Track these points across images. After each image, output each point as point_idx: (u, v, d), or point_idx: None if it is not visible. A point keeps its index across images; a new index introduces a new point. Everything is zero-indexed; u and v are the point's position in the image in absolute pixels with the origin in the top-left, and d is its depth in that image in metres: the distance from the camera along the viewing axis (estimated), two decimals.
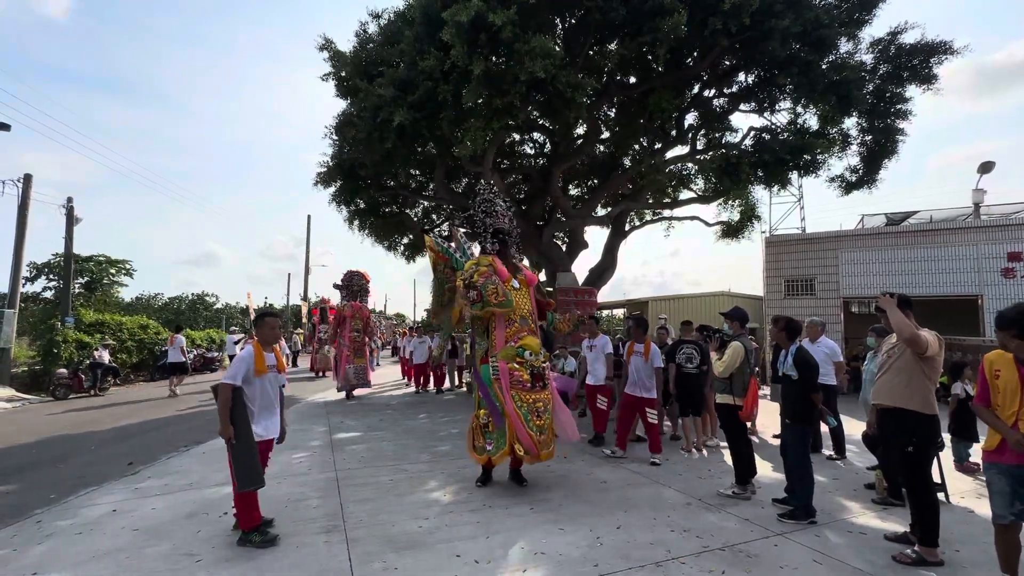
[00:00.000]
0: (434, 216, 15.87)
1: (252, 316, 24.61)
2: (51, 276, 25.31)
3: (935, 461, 3.85)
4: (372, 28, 10.86)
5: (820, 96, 9.32)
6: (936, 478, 3.93)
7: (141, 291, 40.44)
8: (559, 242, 14.32)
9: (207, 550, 3.44)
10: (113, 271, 27.68)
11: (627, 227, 14.52)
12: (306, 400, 11.05)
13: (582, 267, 14.02)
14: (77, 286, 24.24)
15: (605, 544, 3.50)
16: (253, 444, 3.50)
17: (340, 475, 5.21)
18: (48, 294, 25.18)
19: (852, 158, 11.28)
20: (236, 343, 16.12)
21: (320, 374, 15.91)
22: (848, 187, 11.44)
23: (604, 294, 16.31)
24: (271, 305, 40.13)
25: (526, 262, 5.56)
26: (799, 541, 3.57)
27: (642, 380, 5.76)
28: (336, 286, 13.06)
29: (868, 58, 10.05)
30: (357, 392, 11.41)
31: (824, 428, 5.53)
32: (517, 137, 13.59)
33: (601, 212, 14.10)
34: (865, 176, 11.21)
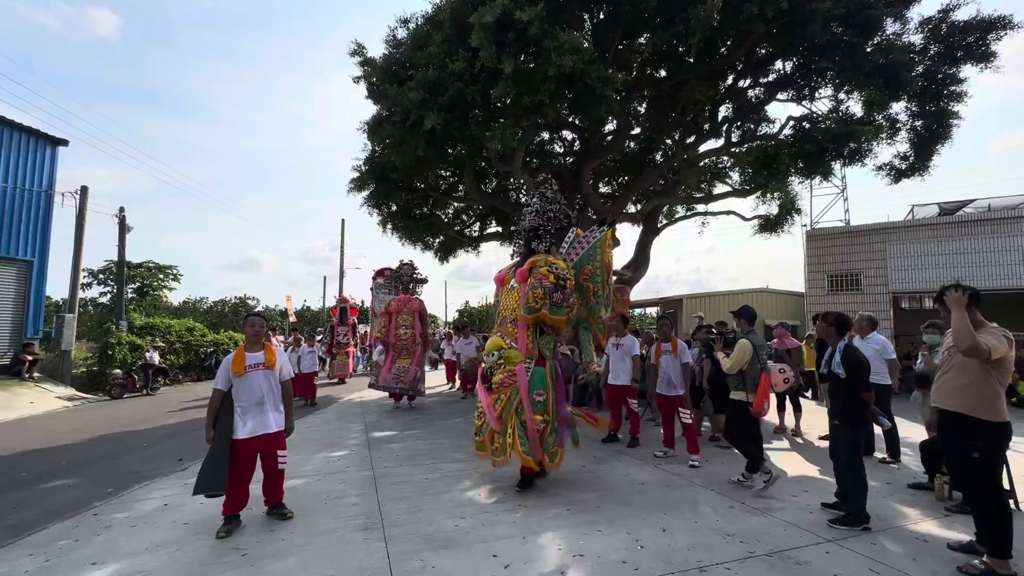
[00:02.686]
0: (464, 216, 15.96)
1: (291, 319, 25.35)
2: (105, 282, 26.82)
3: (1004, 466, 3.58)
4: (401, 33, 10.99)
5: (865, 80, 8.85)
6: (1005, 484, 3.65)
7: (187, 295, 42.32)
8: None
9: (252, 544, 3.54)
10: (162, 276, 29.10)
11: (659, 224, 14.21)
12: (343, 400, 11.29)
13: (614, 265, 13.82)
14: (129, 291, 25.59)
15: (645, 547, 3.40)
16: (224, 454, 3.72)
17: (377, 473, 5.28)
18: (103, 299, 26.69)
19: (901, 144, 10.65)
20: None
21: (340, 380, 14.80)
22: (897, 175, 10.82)
23: (637, 292, 16.02)
24: (308, 308, 41.31)
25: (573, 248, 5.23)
26: (853, 549, 3.38)
27: (675, 378, 5.77)
28: (378, 273, 12.87)
29: (917, 38, 9.49)
30: (408, 399, 10.03)
31: (878, 430, 5.25)
32: (546, 136, 13.50)
33: (632, 209, 13.85)
34: (916, 163, 10.58)
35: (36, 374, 12.94)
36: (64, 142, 14.91)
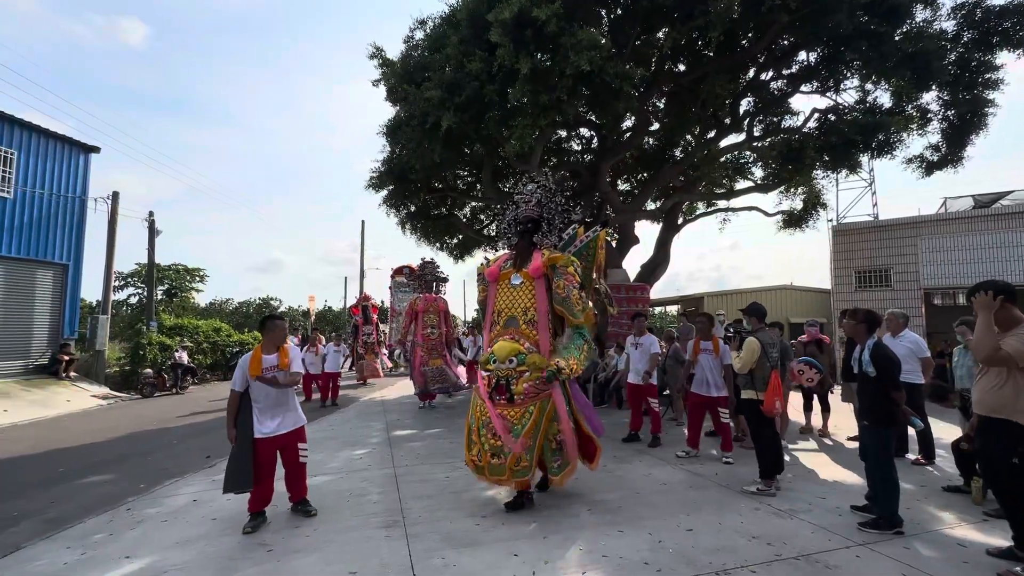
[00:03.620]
0: (482, 216, 16.00)
1: (312, 319, 25.69)
2: (136, 284, 27.69)
3: None
4: (419, 35, 11.08)
5: (893, 70, 8.57)
6: None
7: (214, 296, 43.45)
8: (609, 238, 14.04)
9: (278, 540, 3.61)
10: (189, 278, 29.93)
11: (679, 221, 14.02)
12: (363, 399, 11.43)
13: (633, 263, 13.66)
14: (159, 293, 26.37)
15: (668, 548, 3.36)
16: (247, 453, 3.81)
17: (398, 471, 5.33)
18: (134, 300, 27.57)
19: (933, 135, 10.31)
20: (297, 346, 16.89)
21: (364, 382, 14.40)
22: (929, 167, 10.47)
23: (657, 290, 15.86)
24: (330, 308, 41.97)
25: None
26: (885, 553, 3.27)
27: (714, 378, 5.61)
28: (396, 272, 12.84)
29: (949, 25, 9.16)
30: (441, 399, 10.17)
31: (911, 431, 5.08)
32: (564, 133, 13.45)
33: (652, 206, 13.70)
34: (948, 154, 10.22)
35: (72, 373, 13.45)
36: (96, 149, 15.44)
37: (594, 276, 4.77)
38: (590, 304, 4.44)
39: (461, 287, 56.76)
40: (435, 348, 9.51)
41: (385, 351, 17.30)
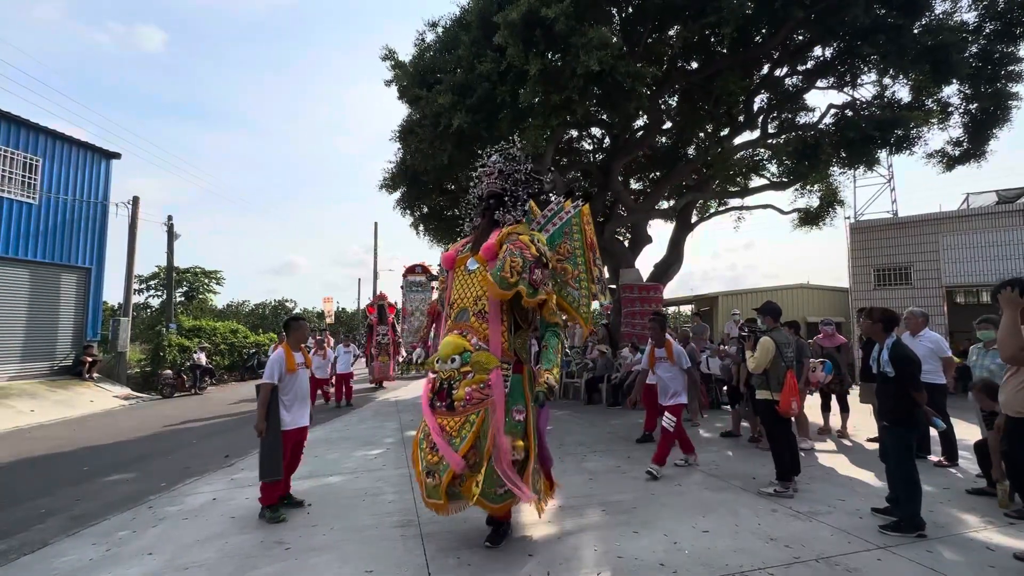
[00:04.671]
0: None
1: (328, 320, 25.90)
2: (156, 287, 28.26)
3: None
4: (430, 37, 11.15)
5: (912, 64, 8.41)
6: None
7: (231, 299, 44.16)
8: (621, 238, 13.97)
9: (294, 538, 3.66)
10: (207, 281, 30.45)
11: (693, 220, 13.90)
12: (377, 399, 11.52)
13: (646, 263, 13.56)
14: (178, 295, 26.88)
15: (684, 550, 3.33)
16: (279, 443, 3.99)
17: (413, 471, 5.36)
18: (154, 303, 28.14)
19: (954, 130, 10.08)
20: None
21: (380, 384, 13.94)
22: (950, 162, 10.24)
23: (671, 290, 15.74)
24: (343, 309, 42.40)
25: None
26: (907, 556, 3.21)
27: (673, 386, 5.19)
28: (409, 271, 12.69)
29: (970, 16, 8.95)
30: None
31: (933, 432, 4.98)
32: (575, 133, 13.41)
33: (664, 205, 13.60)
34: (970, 149, 9.99)
35: (95, 374, 13.78)
36: (117, 155, 15.80)
37: (589, 256, 4.03)
38: (549, 290, 3.56)
39: None
40: None
41: (404, 352, 17.14)
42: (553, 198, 4.16)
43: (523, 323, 3.60)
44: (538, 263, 3.42)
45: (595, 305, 4.38)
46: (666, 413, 5.14)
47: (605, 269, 4.17)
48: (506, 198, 3.79)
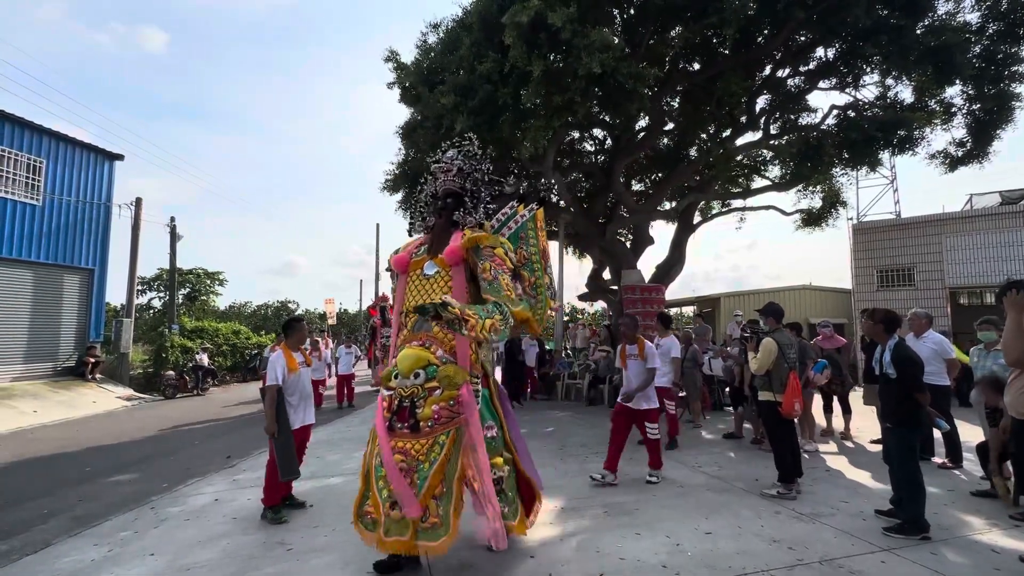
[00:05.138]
0: None
1: (331, 321, 25.88)
2: (158, 288, 28.33)
3: None
4: (432, 38, 11.16)
5: (915, 65, 8.37)
6: None
7: (233, 300, 44.23)
8: (623, 239, 13.96)
9: (297, 539, 3.66)
10: (209, 282, 30.51)
11: (695, 221, 13.88)
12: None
13: (648, 264, 13.54)
14: (180, 296, 26.95)
15: (686, 551, 3.32)
16: (292, 441, 4.02)
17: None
18: (156, 304, 28.21)
19: (957, 130, 10.03)
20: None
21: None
22: (953, 163, 10.19)
23: (673, 291, 15.69)
24: (346, 310, 42.44)
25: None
26: (911, 559, 3.19)
27: (636, 383, 4.88)
28: None
29: (973, 17, 8.92)
30: None
31: (937, 433, 4.96)
32: (577, 135, 13.41)
33: (667, 206, 13.58)
34: (974, 150, 9.94)
35: (98, 375, 13.82)
36: (120, 156, 15.86)
37: (540, 264, 3.79)
38: (521, 294, 3.42)
39: None
40: None
41: None
42: (509, 206, 3.90)
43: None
44: (515, 275, 3.27)
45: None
46: (646, 423, 4.89)
47: (555, 278, 4.01)
48: (466, 198, 3.48)
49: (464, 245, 3.23)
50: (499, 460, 3.00)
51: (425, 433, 2.87)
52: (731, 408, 7.85)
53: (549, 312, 3.81)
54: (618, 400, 4.98)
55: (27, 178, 13.28)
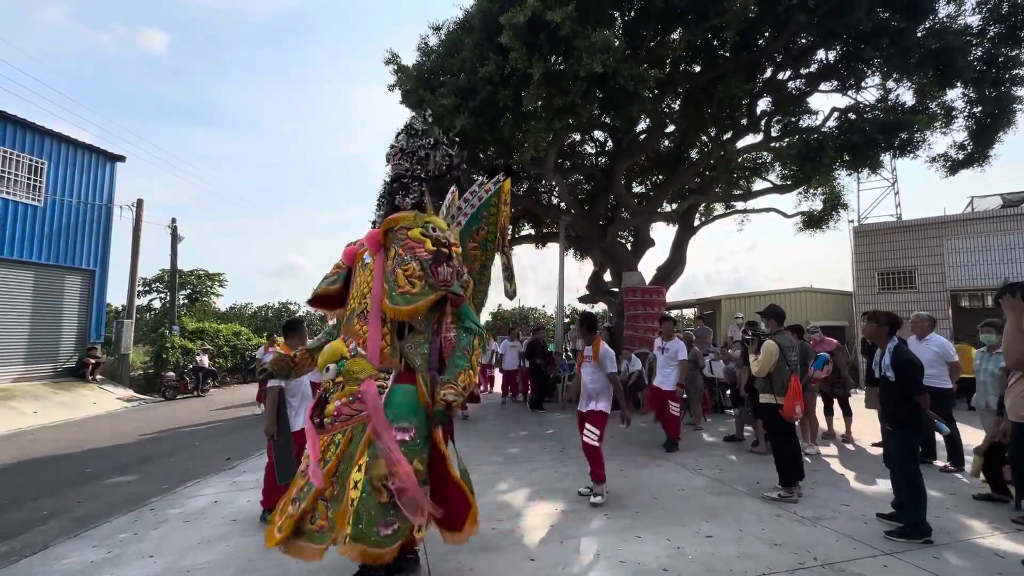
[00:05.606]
0: None
1: (331, 322, 26.07)
2: (159, 289, 28.35)
3: None
4: (433, 41, 11.18)
5: (916, 67, 8.38)
6: None
7: (234, 301, 44.21)
8: (624, 241, 13.95)
9: None
10: (209, 283, 30.52)
11: (696, 223, 13.88)
12: None
13: (649, 266, 13.54)
14: (181, 297, 26.95)
15: (687, 555, 3.31)
16: (292, 444, 3.94)
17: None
18: (157, 305, 28.22)
19: (958, 133, 10.04)
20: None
21: None
22: (954, 166, 10.19)
23: (673, 293, 15.68)
24: None
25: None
26: (913, 563, 3.18)
27: (593, 389, 4.57)
28: None
29: (974, 20, 8.92)
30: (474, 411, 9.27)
31: (939, 437, 4.95)
32: (578, 137, 13.42)
33: (667, 208, 13.58)
34: (974, 153, 9.94)
35: (99, 376, 13.82)
36: (122, 158, 15.88)
37: (499, 239, 3.52)
38: (467, 279, 3.12)
39: None
40: None
41: None
42: (478, 183, 3.61)
43: (419, 324, 2.92)
44: (439, 258, 2.86)
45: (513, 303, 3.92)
46: (587, 425, 4.50)
47: (513, 256, 3.76)
48: (406, 180, 3.23)
49: (381, 228, 3.05)
50: (418, 465, 2.67)
51: (327, 429, 2.74)
52: (732, 410, 7.84)
53: (507, 288, 3.67)
54: (579, 408, 4.68)
55: (28, 179, 13.30)
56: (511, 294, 3.77)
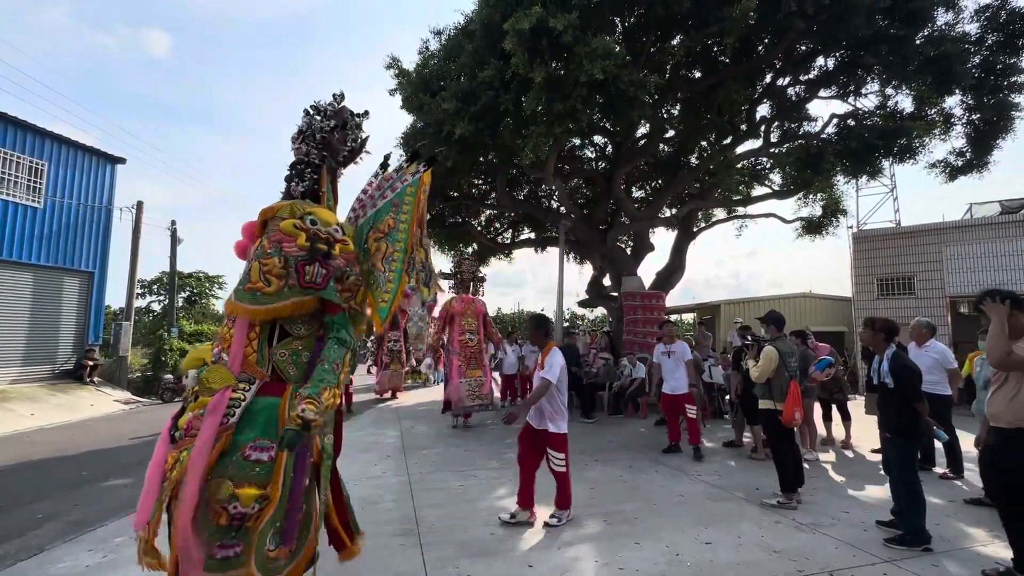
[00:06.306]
0: (497, 224, 16.05)
1: None
2: (158, 291, 28.32)
3: None
4: (434, 45, 11.22)
5: (915, 74, 8.42)
6: None
7: None
8: (624, 246, 13.97)
9: None
10: (209, 285, 30.50)
11: (695, 228, 13.91)
12: (378, 406, 11.48)
13: (649, 271, 13.54)
14: (180, 300, 26.91)
15: (686, 562, 3.30)
16: None
17: (413, 479, 5.33)
18: (156, 307, 28.18)
19: (957, 140, 10.08)
20: None
21: (392, 395, 12.46)
22: (952, 172, 10.22)
23: (673, 298, 15.70)
24: None
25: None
26: (912, 570, 3.17)
27: (547, 406, 3.98)
28: (442, 276, 12.24)
29: (972, 27, 8.97)
30: (479, 417, 8.76)
31: (938, 444, 4.93)
32: (578, 141, 13.46)
33: (667, 213, 13.60)
34: (973, 159, 9.97)
35: (96, 378, 13.78)
36: (122, 160, 15.89)
37: (412, 234, 2.93)
38: (353, 281, 2.68)
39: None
40: (474, 356, 8.35)
41: (414, 360, 15.29)
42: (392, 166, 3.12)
43: (298, 328, 2.54)
44: (315, 255, 2.48)
45: (416, 307, 3.35)
46: (549, 451, 3.99)
47: (432, 255, 3.41)
48: (301, 166, 2.85)
49: (258, 219, 2.71)
50: (251, 491, 2.19)
51: (179, 443, 2.34)
52: (730, 416, 7.82)
53: (424, 297, 3.16)
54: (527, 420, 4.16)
55: (28, 180, 13.30)
56: (429, 298, 3.31)
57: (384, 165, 3.05)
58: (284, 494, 2.28)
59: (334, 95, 2.95)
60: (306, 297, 2.44)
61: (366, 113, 3.01)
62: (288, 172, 2.86)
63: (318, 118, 2.86)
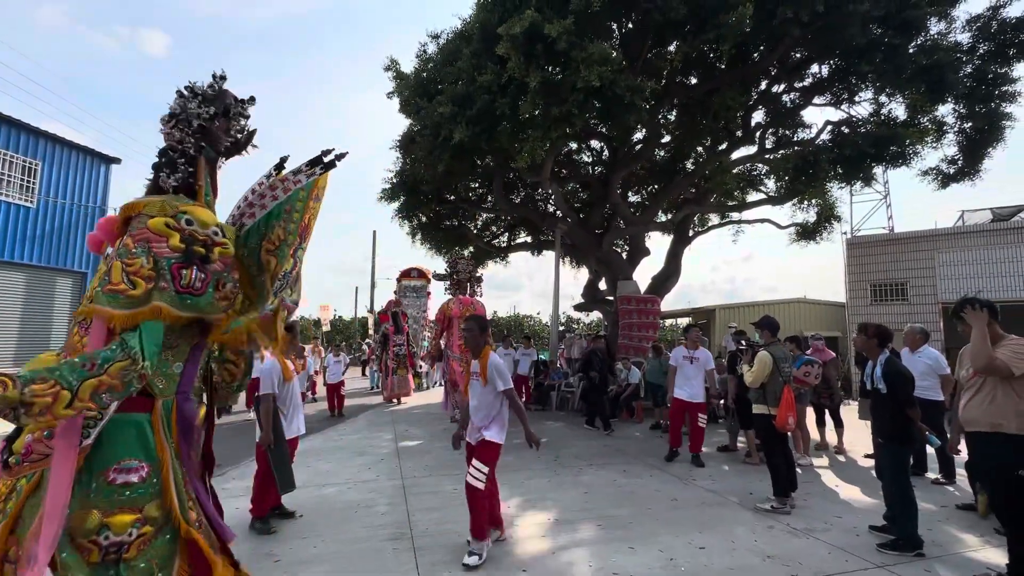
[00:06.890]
0: (494, 227, 16.08)
1: (325, 328, 25.67)
2: None
3: None
4: (431, 48, 11.26)
5: (908, 83, 8.52)
6: None
7: None
8: (619, 250, 14.01)
9: (285, 551, 3.60)
10: None
11: (691, 232, 13.97)
12: (373, 409, 11.43)
13: (644, 275, 13.57)
14: None
15: (680, 566, 3.29)
16: (287, 454, 3.96)
17: (407, 483, 5.31)
18: None
19: (949, 147, 10.19)
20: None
21: (398, 400, 12.11)
22: (945, 180, 10.34)
23: (668, 302, 15.73)
24: (340, 317, 42.29)
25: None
26: (905, 575, 3.18)
27: (483, 415, 3.55)
28: (404, 275, 12.08)
29: (964, 37, 9.09)
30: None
31: (930, 449, 4.97)
32: (574, 146, 13.51)
33: (663, 218, 13.67)
34: (965, 167, 10.09)
35: None
36: (117, 160, 15.81)
37: (294, 244, 2.51)
38: (232, 288, 2.25)
39: None
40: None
41: (422, 364, 14.98)
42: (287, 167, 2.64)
43: (169, 338, 2.12)
44: (191, 258, 2.12)
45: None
46: (473, 462, 3.45)
47: (301, 265, 2.61)
48: (173, 154, 2.38)
49: (120, 215, 2.29)
50: (125, 518, 1.91)
51: (12, 472, 1.95)
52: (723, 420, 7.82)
53: (286, 298, 2.61)
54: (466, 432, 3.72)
55: (22, 180, 13.21)
56: (293, 304, 2.77)
57: (279, 167, 2.61)
58: (179, 516, 1.98)
59: (214, 75, 2.49)
60: (168, 301, 2.01)
61: (252, 99, 2.62)
62: (157, 160, 2.39)
63: (194, 103, 2.38)
